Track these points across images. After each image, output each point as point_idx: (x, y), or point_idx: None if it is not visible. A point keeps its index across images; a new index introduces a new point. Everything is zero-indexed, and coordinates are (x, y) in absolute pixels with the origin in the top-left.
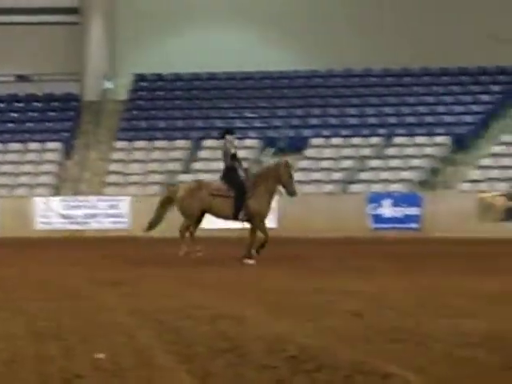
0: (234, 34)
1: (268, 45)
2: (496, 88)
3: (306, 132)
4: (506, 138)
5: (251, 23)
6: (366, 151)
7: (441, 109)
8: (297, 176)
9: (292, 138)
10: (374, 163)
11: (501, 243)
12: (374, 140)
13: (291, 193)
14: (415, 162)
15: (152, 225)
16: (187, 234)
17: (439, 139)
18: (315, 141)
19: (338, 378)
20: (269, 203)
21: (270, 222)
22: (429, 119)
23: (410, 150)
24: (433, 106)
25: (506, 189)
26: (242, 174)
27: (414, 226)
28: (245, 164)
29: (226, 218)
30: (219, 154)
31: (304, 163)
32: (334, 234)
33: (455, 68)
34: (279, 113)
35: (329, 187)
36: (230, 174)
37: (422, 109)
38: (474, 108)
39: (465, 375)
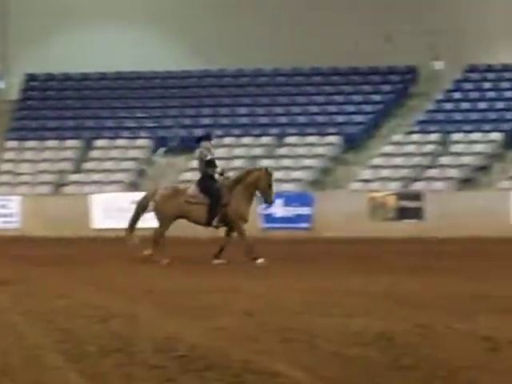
0: (125, 33)
1: (159, 44)
2: (387, 88)
3: (198, 132)
4: (396, 137)
5: (143, 23)
6: (258, 151)
7: (332, 108)
8: (188, 176)
9: (184, 138)
10: (266, 162)
11: (391, 242)
12: (265, 140)
13: (268, 201)
14: (306, 162)
15: (131, 229)
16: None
17: (330, 139)
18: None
19: (228, 377)
20: (248, 208)
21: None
22: (320, 119)
23: (301, 150)
24: (324, 106)
25: (397, 188)
26: (217, 180)
27: (304, 225)
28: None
29: (200, 224)
30: (112, 153)
31: (195, 163)
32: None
33: (346, 67)
34: (171, 112)
35: None
36: (206, 181)
37: (313, 108)
38: (365, 108)
39: (354, 374)
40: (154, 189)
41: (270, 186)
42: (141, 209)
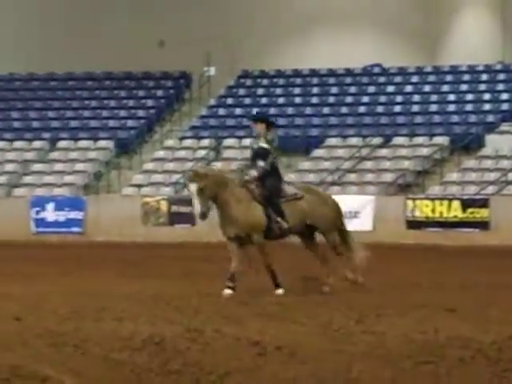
0: None
1: None
2: (160, 93)
3: None
4: (169, 142)
5: None
6: (30, 155)
7: (105, 113)
8: None
9: None
10: (38, 167)
11: (164, 247)
12: (38, 144)
13: None
14: (79, 166)
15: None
16: None
17: (103, 143)
18: None
19: None
20: None
21: None
22: (93, 123)
23: (73, 154)
24: (97, 110)
25: (169, 193)
26: None
27: (76, 229)
28: None
29: None
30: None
31: None
32: None
33: (120, 72)
34: None
35: None
36: None
37: (86, 113)
38: (139, 112)
39: (122, 378)
40: None
41: None
42: None
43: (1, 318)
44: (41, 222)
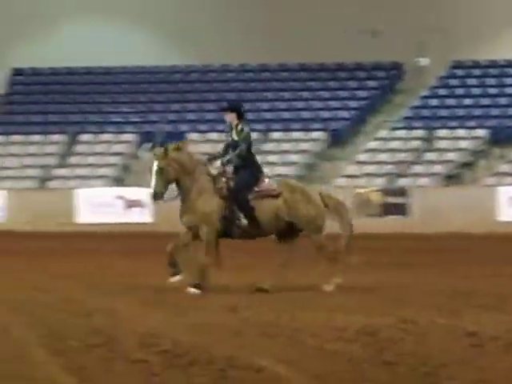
0: (109, 27)
1: (145, 39)
2: (372, 83)
3: (183, 127)
4: (381, 133)
5: (130, 17)
6: None
7: (317, 104)
8: None
9: (169, 133)
10: None
11: (375, 238)
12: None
13: None
14: (291, 158)
15: None
16: None
17: (315, 134)
18: (192, 136)
19: (212, 373)
20: None
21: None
22: (305, 114)
23: (286, 146)
24: (310, 102)
25: (382, 184)
26: None
27: None
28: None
29: None
30: (97, 148)
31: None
32: None
33: (332, 63)
34: (156, 107)
35: None
36: None
37: (298, 104)
38: (351, 103)
39: (335, 369)
40: None
41: None
42: None
43: (216, 309)
44: None
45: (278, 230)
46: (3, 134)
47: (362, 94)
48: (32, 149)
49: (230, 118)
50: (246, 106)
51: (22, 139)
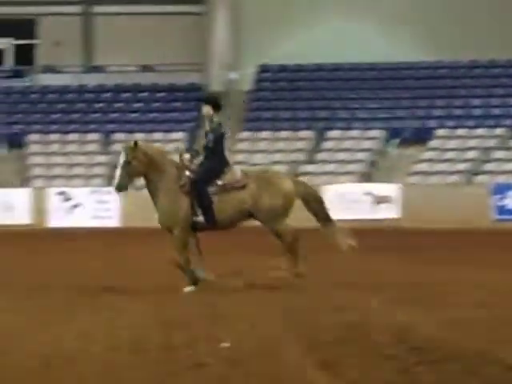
0: (357, 24)
1: (391, 35)
2: None
3: (431, 123)
4: None
5: (375, 14)
6: (491, 142)
7: None
8: (420, 167)
9: (416, 129)
10: (499, 154)
11: None
12: (499, 131)
13: None
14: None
15: None
16: None
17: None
18: (440, 132)
19: (463, 369)
20: None
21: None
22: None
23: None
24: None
25: None
26: None
27: None
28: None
29: None
30: (345, 144)
31: (428, 154)
32: (455, 224)
33: None
34: (403, 103)
35: (453, 178)
36: None
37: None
38: None
39: None
40: None
41: None
42: None
43: (465, 306)
44: (502, 209)
45: (242, 220)
46: (251, 130)
47: None
48: (280, 145)
49: (206, 110)
50: (495, 101)
51: (270, 135)
